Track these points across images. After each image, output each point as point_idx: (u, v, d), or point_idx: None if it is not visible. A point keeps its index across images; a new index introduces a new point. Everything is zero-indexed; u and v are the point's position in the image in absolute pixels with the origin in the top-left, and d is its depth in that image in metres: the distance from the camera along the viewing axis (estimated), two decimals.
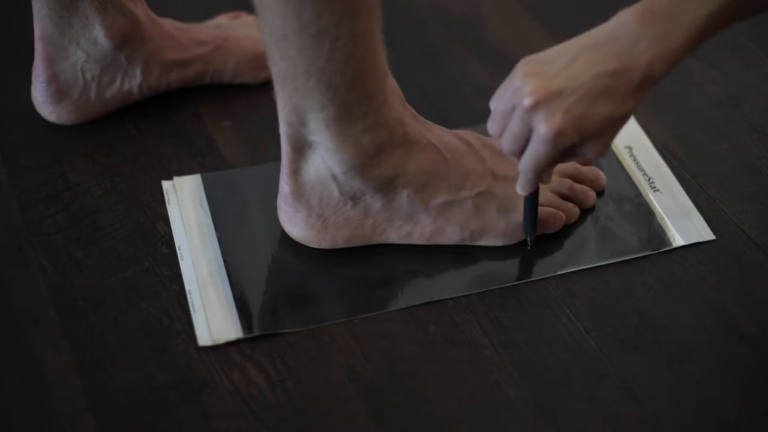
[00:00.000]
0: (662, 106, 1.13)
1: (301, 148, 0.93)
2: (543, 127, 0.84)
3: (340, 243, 0.98)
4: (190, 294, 0.96)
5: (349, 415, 0.88)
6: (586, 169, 1.04)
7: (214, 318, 0.94)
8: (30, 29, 1.08)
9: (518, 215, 0.98)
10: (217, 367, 0.90)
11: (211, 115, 1.14)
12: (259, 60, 1.15)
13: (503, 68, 1.13)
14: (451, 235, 0.98)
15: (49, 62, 1.08)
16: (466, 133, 1.00)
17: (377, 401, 0.88)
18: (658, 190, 1.05)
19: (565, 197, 1.02)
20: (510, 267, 0.98)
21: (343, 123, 0.89)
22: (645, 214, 1.03)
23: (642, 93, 0.85)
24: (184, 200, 1.04)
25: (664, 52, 0.83)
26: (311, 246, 0.98)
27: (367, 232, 0.98)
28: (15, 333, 0.93)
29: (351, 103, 0.88)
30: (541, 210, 0.98)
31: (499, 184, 0.98)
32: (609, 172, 1.06)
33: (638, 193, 1.05)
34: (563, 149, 0.86)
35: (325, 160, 0.93)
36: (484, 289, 0.96)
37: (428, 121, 0.97)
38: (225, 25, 1.18)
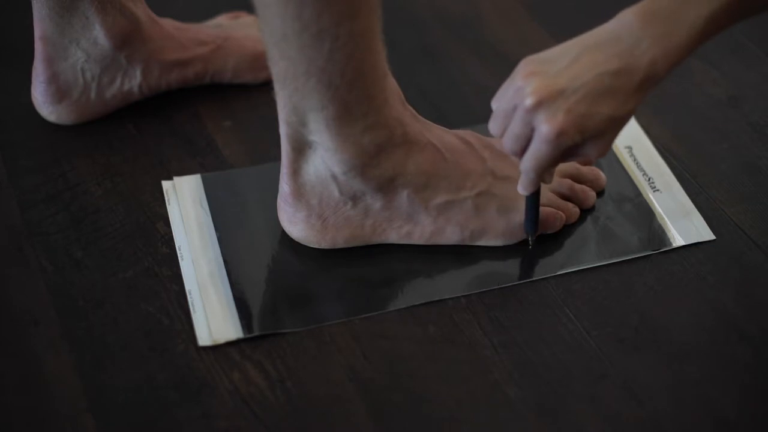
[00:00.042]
0: (662, 106, 1.13)
1: (301, 148, 0.93)
2: (545, 127, 0.84)
3: (340, 243, 0.98)
4: (190, 294, 0.96)
5: (349, 415, 0.88)
6: (586, 169, 1.04)
7: (214, 318, 0.94)
8: (30, 29, 1.08)
9: (518, 215, 0.98)
10: (217, 367, 0.90)
11: (211, 115, 1.14)
12: (259, 60, 1.15)
13: (503, 68, 1.13)
14: (451, 235, 0.98)
15: (49, 62, 1.08)
16: (466, 133, 1.00)
17: (377, 401, 0.88)
18: (658, 190, 1.05)
19: (565, 197, 1.02)
20: (510, 267, 0.98)
21: (343, 123, 0.89)
22: (645, 214, 1.03)
23: (643, 93, 0.85)
24: (184, 200, 1.04)
25: (665, 51, 0.83)
26: (311, 246, 0.98)
27: (367, 232, 0.98)
28: (15, 333, 0.93)
29: (351, 103, 0.88)
30: (541, 210, 0.98)
31: (499, 184, 0.98)
32: (609, 172, 1.06)
33: (638, 193, 1.05)
34: (565, 149, 0.86)
35: (325, 160, 0.93)
36: (484, 289, 0.96)
37: (428, 121, 0.97)
38: (225, 25, 1.18)
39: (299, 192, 0.96)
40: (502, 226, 0.98)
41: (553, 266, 0.98)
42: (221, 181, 1.06)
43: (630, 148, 1.09)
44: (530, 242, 0.98)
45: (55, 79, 1.09)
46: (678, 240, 1.00)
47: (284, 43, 0.85)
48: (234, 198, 1.04)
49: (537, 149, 0.86)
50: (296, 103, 0.89)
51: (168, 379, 0.89)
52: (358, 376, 0.90)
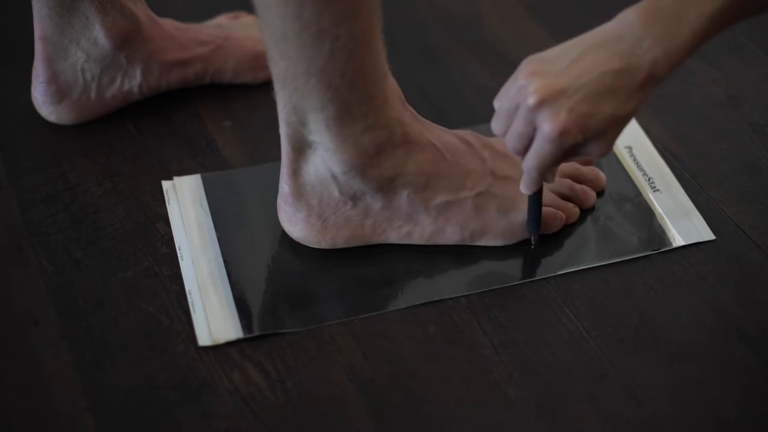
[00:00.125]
0: (662, 106, 1.13)
1: (301, 148, 0.93)
2: (547, 126, 0.84)
3: (340, 243, 0.98)
4: (190, 294, 0.96)
5: (349, 415, 0.88)
6: (586, 169, 1.04)
7: (214, 318, 0.94)
8: (30, 29, 1.08)
9: (518, 215, 0.98)
10: (217, 367, 0.90)
11: (211, 115, 1.14)
12: (259, 60, 1.15)
13: (503, 68, 1.13)
14: (451, 235, 0.98)
15: (49, 62, 1.08)
16: (466, 133, 1.00)
17: (377, 401, 0.88)
18: (658, 190, 1.05)
19: (566, 197, 1.02)
20: (510, 267, 0.98)
21: (343, 123, 0.89)
22: (645, 214, 1.03)
23: (645, 92, 0.85)
24: (184, 200, 1.04)
25: (667, 51, 0.83)
26: (311, 246, 0.98)
27: (367, 232, 0.98)
28: (15, 333, 0.93)
29: (351, 103, 0.88)
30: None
31: (499, 184, 0.98)
32: (609, 172, 1.06)
33: (638, 193, 1.05)
34: (567, 148, 0.86)
35: (325, 160, 0.93)
36: (484, 289, 0.96)
37: (428, 121, 0.97)
38: (225, 25, 1.18)
39: (299, 192, 0.96)
40: (502, 226, 0.98)
41: (553, 266, 0.98)
42: (221, 181, 1.06)
43: (630, 148, 1.09)
44: (532, 242, 0.98)
45: (55, 79, 1.09)
46: (678, 240, 1.00)
47: (284, 43, 0.85)
48: (234, 198, 1.04)
49: (539, 148, 0.86)
50: (296, 103, 0.89)
51: (168, 379, 0.89)
52: (358, 376, 0.90)
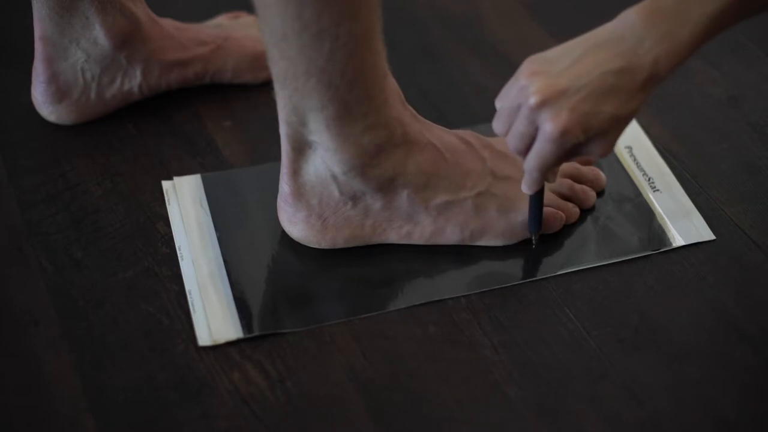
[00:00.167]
0: (662, 106, 1.13)
1: (301, 148, 0.93)
2: (549, 126, 0.84)
3: (340, 243, 0.98)
4: (190, 294, 0.96)
5: (349, 415, 0.88)
6: (586, 169, 1.04)
7: (214, 318, 0.94)
8: (30, 29, 1.08)
9: (518, 215, 0.98)
10: (217, 367, 0.90)
11: (211, 115, 1.14)
12: (259, 60, 1.15)
13: (503, 68, 1.13)
14: (451, 235, 0.98)
15: (49, 62, 1.08)
16: (466, 133, 1.00)
17: (377, 401, 0.88)
18: (658, 190, 1.05)
19: (566, 197, 1.02)
20: (510, 267, 0.98)
21: (343, 123, 0.89)
22: (645, 214, 1.03)
23: (647, 92, 0.85)
24: (184, 200, 1.04)
25: (669, 51, 0.83)
26: (311, 246, 0.98)
27: (367, 232, 0.98)
28: (15, 333, 0.93)
29: (351, 103, 0.88)
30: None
31: (499, 184, 0.98)
32: (609, 172, 1.06)
33: (638, 193, 1.05)
34: (569, 148, 0.86)
35: (325, 160, 0.93)
36: (484, 289, 0.96)
37: (428, 121, 0.97)
38: (225, 25, 1.18)
39: (299, 192, 0.96)
40: (502, 226, 0.98)
41: (553, 266, 0.98)
42: (221, 181, 1.06)
43: (630, 148, 1.09)
44: (533, 241, 0.98)
45: (55, 79, 1.09)
46: (678, 240, 1.00)
47: (284, 43, 0.85)
48: (234, 198, 1.04)
49: (541, 148, 0.86)
50: (296, 103, 0.89)
51: (168, 379, 0.89)
52: (358, 376, 0.90)
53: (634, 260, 0.99)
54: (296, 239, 0.99)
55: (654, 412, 0.87)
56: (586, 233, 1.01)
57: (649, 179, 1.06)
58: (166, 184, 1.06)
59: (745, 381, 0.89)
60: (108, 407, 0.88)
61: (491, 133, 0.98)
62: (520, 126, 0.86)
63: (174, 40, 1.12)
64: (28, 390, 0.89)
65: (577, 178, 1.03)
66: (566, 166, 1.02)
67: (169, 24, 1.13)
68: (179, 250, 0.99)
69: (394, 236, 0.98)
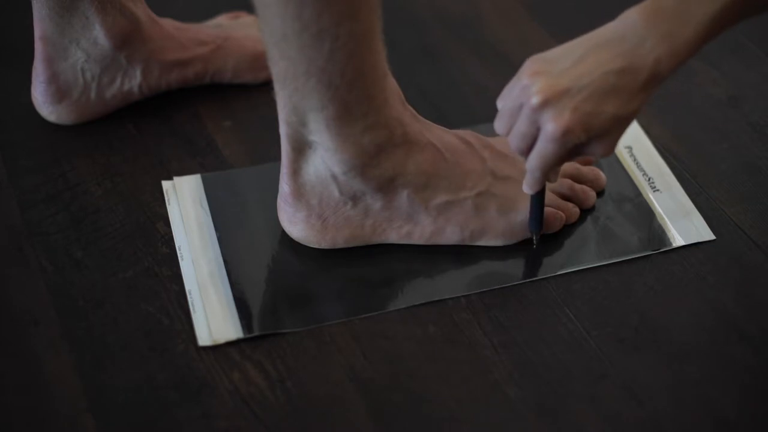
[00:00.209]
0: (662, 106, 1.13)
1: (301, 148, 0.93)
2: (551, 126, 0.85)
3: (340, 243, 0.98)
4: (190, 294, 0.96)
5: (349, 415, 0.88)
6: (586, 169, 1.04)
7: (214, 318, 0.94)
8: (30, 29, 1.08)
9: (518, 215, 0.98)
10: (217, 367, 0.90)
11: (211, 115, 1.14)
12: (259, 60, 1.15)
13: (503, 68, 1.13)
14: (451, 235, 0.98)
15: (49, 62, 1.08)
16: (466, 133, 1.00)
17: (377, 401, 0.88)
18: (658, 190, 1.05)
19: (566, 197, 1.02)
20: (510, 267, 0.98)
21: (343, 123, 0.89)
22: (645, 214, 1.03)
23: (648, 92, 0.85)
24: (184, 200, 1.04)
25: (670, 51, 0.83)
26: (311, 246, 0.98)
27: (367, 232, 0.98)
28: (15, 333, 0.93)
29: (351, 103, 0.88)
30: None
31: (499, 184, 0.98)
32: (609, 172, 1.06)
33: (638, 193, 1.05)
34: (571, 147, 0.86)
35: (325, 160, 0.93)
36: (484, 289, 0.96)
37: (428, 121, 0.97)
38: (225, 25, 1.18)
39: (299, 192, 0.96)
40: (502, 226, 0.98)
41: (553, 266, 0.98)
42: (221, 181, 1.06)
43: (630, 148, 1.09)
44: (534, 241, 0.98)
45: (55, 79, 1.09)
46: (678, 240, 1.00)
47: (284, 43, 0.85)
48: (234, 198, 1.04)
49: (543, 148, 0.86)
50: (296, 103, 0.89)
51: (168, 379, 0.89)
52: (358, 376, 0.90)
53: (634, 260, 0.99)
54: (296, 239, 0.99)
55: (654, 412, 0.87)
56: (586, 233, 1.01)
57: (649, 179, 1.06)
58: (166, 184, 1.06)
59: (745, 381, 0.89)
60: (108, 407, 0.88)
61: (491, 133, 0.98)
62: (521, 126, 0.87)
63: (174, 40, 1.12)
64: (28, 390, 0.89)
65: (577, 178, 1.03)
66: (566, 166, 1.02)
67: (169, 24, 1.13)
68: (179, 250, 0.99)
69: (394, 236, 0.98)
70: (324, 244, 0.98)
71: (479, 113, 1.13)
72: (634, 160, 1.08)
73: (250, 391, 0.89)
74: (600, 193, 1.04)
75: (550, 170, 0.89)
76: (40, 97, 1.10)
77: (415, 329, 0.93)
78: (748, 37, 1.22)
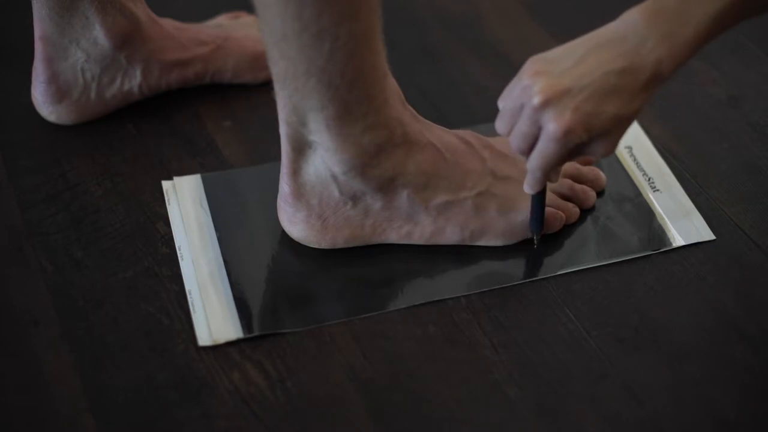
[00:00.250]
0: (662, 106, 1.13)
1: (301, 148, 0.93)
2: (552, 125, 0.85)
3: (340, 243, 0.98)
4: (190, 294, 0.96)
5: (349, 415, 0.88)
6: (586, 169, 1.04)
7: (214, 318, 0.94)
8: (30, 29, 1.08)
9: (518, 215, 0.98)
10: (217, 367, 0.90)
11: (211, 115, 1.14)
12: (259, 60, 1.15)
13: (503, 68, 1.13)
14: (451, 235, 0.98)
15: (49, 62, 1.08)
16: (466, 133, 1.00)
17: (377, 401, 0.88)
18: (658, 190, 1.05)
19: (566, 197, 1.02)
20: (510, 267, 0.98)
21: (343, 123, 0.89)
22: (645, 214, 1.03)
23: (649, 92, 0.85)
24: (184, 200, 1.04)
25: (671, 51, 0.84)
26: (311, 246, 0.98)
27: (367, 232, 0.98)
28: (15, 333, 0.93)
29: (351, 103, 0.88)
30: None
31: (499, 184, 0.98)
32: (609, 172, 1.06)
33: (638, 193, 1.05)
34: (572, 147, 0.86)
35: (325, 160, 0.93)
36: (484, 289, 0.96)
37: (428, 121, 0.97)
38: (225, 25, 1.18)
39: (299, 192, 0.96)
40: (502, 226, 0.98)
41: (553, 266, 0.98)
42: (221, 181, 1.06)
43: (630, 148, 1.09)
44: (535, 241, 0.98)
45: (55, 79, 1.09)
46: (678, 240, 1.00)
47: (284, 43, 0.85)
48: (234, 198, 1.04)
49: (544, 148, 0.86)
50: (296, 103, 0.89)
51: (168, 379, 0.89)
52: (358, 376, 0.90)
53: (634, 260, 0.99)
54: (296, 239, 0.99)
55: (654, 412, 0.87)
56: (586, 233, 1.01)
57: (649, 179, 1.06)
58: (166, 184, 1.06)
59: (745, 381, 0.89)
60: (108, 407, 0.88)
61: (491, 133, 0.98)
62: (523, 126, 0.87)
63: (174, 40, 1.12)
64: (28, 390, 0.89)
65: (577, 178, 1.03)
66: (566, 166, 1.02)
67: (169, 24, 1.13)
68: (179, 250, 0.99)
69: (394, 236, 0.98)
70: (324, 244, 0.98)
71: (479, 113, 1.13)
72: (634, 160, 1.08)
73: (250, 391, 0.89)
74: (600, 193, 1.04)
75: (551, 170, 0.89)
76: (40, 97, 1.10)
77: (415, 329, 0.93)
78: (748, 37, 1.22)
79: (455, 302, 0.95)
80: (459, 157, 0.97)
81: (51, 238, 1.01)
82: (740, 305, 0.95)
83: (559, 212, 1.00)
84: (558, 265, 0.98)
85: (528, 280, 0.97)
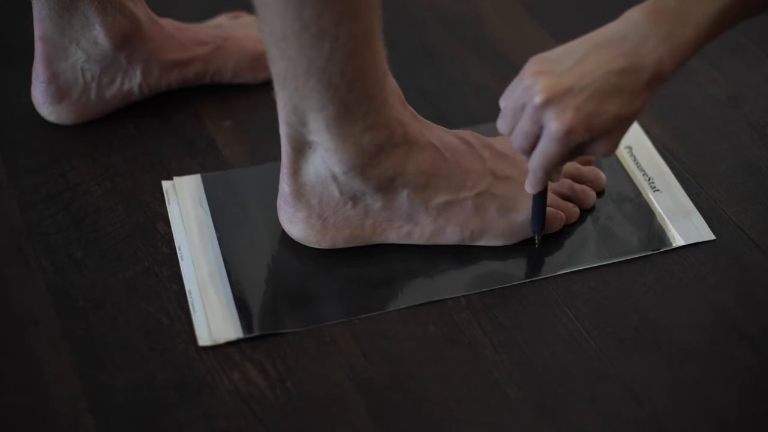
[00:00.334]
0: (662, 106, 1.13)
1: (301, 148, 0.93)
2: (554, 125, 0.85)
3: (340, 243, 0.98)
4: (190, 294, 0.96)
5: (349, 415, 0.88)
6: (586, 169, 1.04)
7: (214, 318, 0.94)
8: (30, 29, 1.08)
9: (518, 215, 0.98)
10: (217, 367, 0.90)
11: (211, 115, 1.14)
12: (259, 60, 1.15)
13: (503, 68, 1.13)
14: (451, 235, 0.98)
15: (49, 62, 1.08)
16: (466, 133, 1.00)
17: (377, 401, 0.88)
18: (658, 190, 1.05)
19: (566, 197, 1.02)
20: (510, 267, 0.98)
21: (343, 123, 0.89)
22: (645, 214, 1.03)
23: (650, 91, 0.85)
24: (184, 200, 1.04)
25: (672, 50, 0.84)
26: (311, 246, 0.98)
27: (367, 232, 0.98)
28: (15, 333, 0.93)
29: (351, 103, 0.88)
30: None
31: (499, 184, 0.98)
32: (609, 172, 1.06)
33: (638, 193, 1.05)
34: (573, 147, 0.86)
35: (325, 160, 0.93)
36: (484, 289, 0.96)
37: (428, 121, 0.97)
38: (225, 25, 1.18)
39: (299, 192, 0.96)
40: (502, 226, 0.98)
41: (553, 266, 0.98)
42: (221, 181, 1.06)
43: (630, 148, 1.09)
44: (536, 241, 0.98)
45: (55, 79, 1.09)
46: (678, 240, 1.00)
47: (284, 43, 0.85)
48: (234, 198, 1.04)
49: (546, 147, 0.86)
50: (296, 103, 0.89)
51: (168, 379, 0.89)
52: (358, 376, 0.90)
53: (634, 260, 0.99)
54: (296, 239, 0.99)
55: (654, 412, 0.87)
56: (586, 233, 1.01)
57: (649, 179, 1.06)
58: (166, 184, 1.06)
59: (745, 381, 0.89)
60: (108, 407, 0.88)
61: (491, 133, 0.98)
62: (524, 125, 0.87)
63: (174, 40, 1.12)
64: (28, 390, 0.89)
65: (577, 178, 1.03)
66: (566, 166, 1.02)
67: (169, 24, 1.13)
68: (179, 250, 0.99)
69: (394, 236, 0.98)
70: (324, 244, 0.98)
71: (479, 113, 1.13)
72: (634, 160, 1.08)
73: (250, 391, 0.89)
74: (600, 193, 1.04)
75: (552, 169, 0.89)
76: (40, 97, 1.10)
77: (415, 329, 0.93)
78: (748, 37, 1.22)
79: (455, 302, 0.95)
80: (459, 157, 0.97)
81: (51, 238, 1.01)
82: (740, 305, 0.95)
83: (560, 212, 1.00)
84: (558, 265, 0.98)
85: (528, 280, 0.97)
